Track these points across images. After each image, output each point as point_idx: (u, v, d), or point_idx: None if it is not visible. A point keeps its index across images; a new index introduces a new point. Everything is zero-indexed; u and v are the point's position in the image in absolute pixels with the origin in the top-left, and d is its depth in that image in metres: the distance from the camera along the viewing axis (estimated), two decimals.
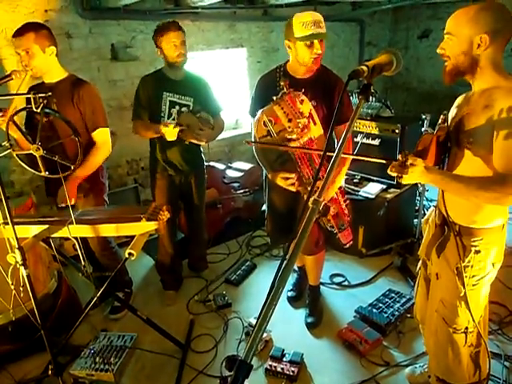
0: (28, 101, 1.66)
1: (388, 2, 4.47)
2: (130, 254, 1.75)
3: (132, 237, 1.87)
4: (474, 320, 1.65)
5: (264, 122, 2.00)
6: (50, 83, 2.29)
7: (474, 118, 1.44)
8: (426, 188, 3.34)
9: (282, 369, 2.21)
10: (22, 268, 1.69)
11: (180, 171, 2.70)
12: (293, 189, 2.12)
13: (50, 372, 1.92)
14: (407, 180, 1.38)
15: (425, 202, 3.55)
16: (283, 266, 0.92)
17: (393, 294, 2.74)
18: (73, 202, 2.12)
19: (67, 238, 1.89)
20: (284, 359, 2.27)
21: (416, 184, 3.33)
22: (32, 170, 1.80)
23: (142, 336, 2.50)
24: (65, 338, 2.12)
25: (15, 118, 1.77)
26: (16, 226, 1.66)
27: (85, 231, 1.90)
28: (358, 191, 3.25)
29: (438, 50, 1.50)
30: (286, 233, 2.39)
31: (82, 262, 1.90)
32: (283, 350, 2.32)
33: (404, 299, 2.68)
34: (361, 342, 2.36)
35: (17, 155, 1.76)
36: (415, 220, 3.51)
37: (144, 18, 3.64)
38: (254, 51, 4.66)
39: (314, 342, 2.49)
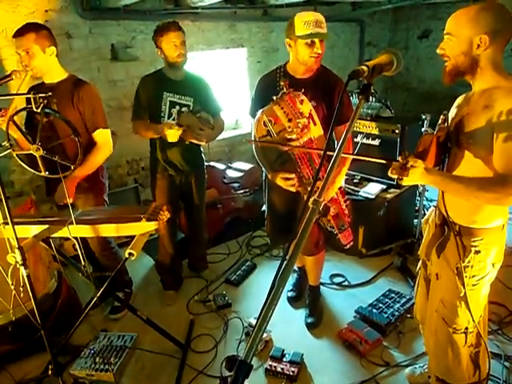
0: (28, 101, 1.66)
1: (388, 2, 4.47)
2: (130, 254, 1.75)
3: (132, 237, 1.87)
4: (473, 320, 1.65)
5: (264, 122, 2.00)
6: (50, 83, 2.29)
7: (473, 119, 1.44)
8: (425, 188, 3.35)
9: (282, 369, 2.21)
10: (21, 268, 1.69)
11: (180, 171, 2.70)
12: (293, 189, 2.13)
13: (50, 372, 1.92)
14: (408, 182, 1.38)
15: (425, 202, 3.55)
16: (283, 266, 0.92)
17: (393, 294, 2.75)
18: (71, 201, 2.12)
19: (67, 238, 1.89)
20: (284, 359, 2.27)
21: (416, 184, 3.33)
22: (32, 170, 1.80)
23: (142, 336, 2.50)
24: (65, 338, 2.12)
25: (15, 118, 1.77)
26: (16, 226, 1.66)
27: (85, 231, 1.90)
28: (358, 191, 3.25)
29: (438, 51, 1.50)
30: (285, 233, 2.39)
31: (82, 262, 1.90)
32: (283, 350, 2.32)
33: (404, 299, 2.68)
34: (361, 342, 2.36)
35: (17, 155, 1.76)
36: (415, 220, 3.51)
37: (144, 18, 3.64)
38: (254, 51, 4.66)
39: (314, 342, 2.49)
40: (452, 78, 1.49)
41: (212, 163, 3.92)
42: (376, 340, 2.37)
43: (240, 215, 3.96)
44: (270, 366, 2.24)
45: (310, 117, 1.98)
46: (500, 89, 1.39)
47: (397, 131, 3.12)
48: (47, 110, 1.64)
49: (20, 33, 2.11)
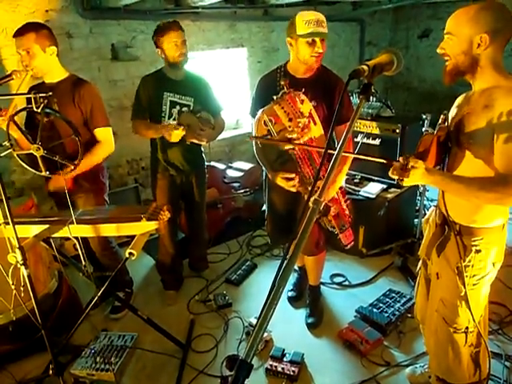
0: (28, 101, 1.66)
1: (388, 1, 4.47)
2: (130, 253, 1.75)
3: (132, 237, 1.87)
4: (474, 320, 1.65)
5: (264, 122, 2.00)
6: (51, 83, 2.29)
7: (474, 118, 1.44)
8: (426, 188, 3.34)
9: (283, 369, 2.21)
10: (22, 268, 1.69)
11: (181, 171, 2.70)
12: (293, 189, 2.13)
13: (50, 372, 1.92)
14: (408, 182, 1.38)
15: (425, 202, 3.55)
16: (284, 265, 0.92)
17: (393, 294, 2.74)
18: (65, 190, 2.08)
19: (68, 238, 1.89)
20: (284, 359, 2.27)
21: (416, 184, 3.32)
22: (33, 170, 1.80)
23: (142, 336, 2.50)
24: (65, 337, 2.13)
25: (15, 117, 1.77)
26: (17, 226, 1.66)
27: (85, 231, 1.91)
28: (359, 191, 3.25)
29: (438, 50, 1.50)
30: (286, 233, 2.39)
31: (83, 262, 1.90)
32: (284, 350, 2.32)
33: (404, 299, 2.68)
34: (361, 342, 2.36)
35: (17, 155, 1.76)
36: (416, 220, 3.51)
37: (144, 17, 3.64)
38: (254, 51, 4.66)
39: (315, 342, 2.49)
40: (452, 78, 1.49)
41: (212, 163, 3.91)
42: (376, 340, 2.37)
43: (240, 215, 3.96)
44: (271, 365, 2.24)
45: (310, 116, 1.98)
46: (500, 88, 1.39)
47: (397, 131, 3.12)
48: (48, 110, 1.65)
49: (20, 32, 2.11)
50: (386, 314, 2.54)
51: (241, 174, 4.05)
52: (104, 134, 2.38)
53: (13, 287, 1.73)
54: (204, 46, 4.17)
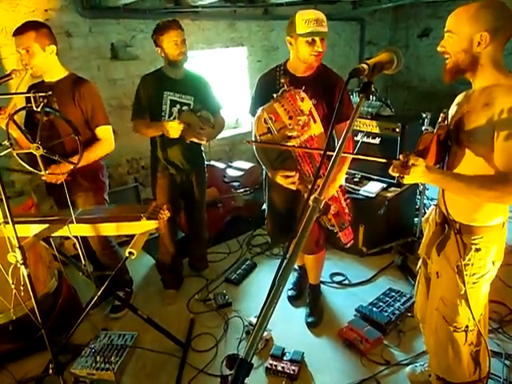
0: (28, 100, 1.66)
1: (388, 0, 4.47)
2: (130, 253, 1.75)
3: (132, 236, 1.87)
4: (474, 318, 1.65)
5: (264, 120, 2.00)
6: (50, 82, 2.29)
7: (474, 116, 1.43)
8: (426, 187, 3.35)
9: (283, 368, 2.21)
10: (22, 267, 1.69)
11: (181, 170, 2.70)
12: (293, 187, 2.12)
13: (50, 371, 1.92)
14: (409, 180, 1.38)
15: (425, 201, 3.56)
16: (283, 265, 0.92)
17: (393, 293, 2.75)
18: (61, 181, 2.06)
19: (68, 237, 1.88)
20: (284, 358, 2.27)
21: (416, 183, 3.33)
22: (32, 169, 1.80)
23: (142, 335, 2.50)
24: (65, 337, 2.13)
25: (15, 117, 1.77)
26: (16, 225, 1.66)
27: (85, 230, 1.90)
28: (359, 190, 3.25)
29: (439, 48, 1.50)
30: (286, 232, 2.39)
31: (83, 261, 1.90)
32: (284, 349, 2.32)
33: (404, 298, 2.68)
34: (361, 341, 2.36)
35: (17, 154, 1.76)
36: (415, 219, 3.51)
37: (144, 17, 3.64)
38: (254, 50, 4.65)
39: (315, 341, 2.49)
40: (452, 76, 1.49)
41: (212, 162, 3.91)
42: (376, 339, 2.37)
43: (240, 214, 3.96)
44: (271, 364, 2.24)
45: (310, 114, 1.98)
46: (500, 86, 1.39)
47: (397, 130, 3.12)
48: (47, 109, 1.64)
49: (20, 31, 2.11)
50: (386, 313, 2.54)
51: (241, 173, 4.05)
52: (104, 132, 2.38)
53: (13, 286, 1.73)
54: (204, 45, 4.16)
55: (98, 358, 2.25)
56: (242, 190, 3.95)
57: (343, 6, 5.04)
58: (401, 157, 1.35)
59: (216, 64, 4.38)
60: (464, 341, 1.71)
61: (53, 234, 1.89)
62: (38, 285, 2.07)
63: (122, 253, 2.51)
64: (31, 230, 1.86)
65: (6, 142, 1.70)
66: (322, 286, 2.87)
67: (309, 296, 2.75)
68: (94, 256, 2.66)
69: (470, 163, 1.49)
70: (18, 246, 1.65)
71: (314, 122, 2.01)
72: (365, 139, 3.31)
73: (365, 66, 1.09)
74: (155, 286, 3.05)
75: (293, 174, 2.09)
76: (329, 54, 4.36)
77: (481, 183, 1.39)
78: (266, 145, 2.08)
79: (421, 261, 1.93)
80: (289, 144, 2.00)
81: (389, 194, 3.17)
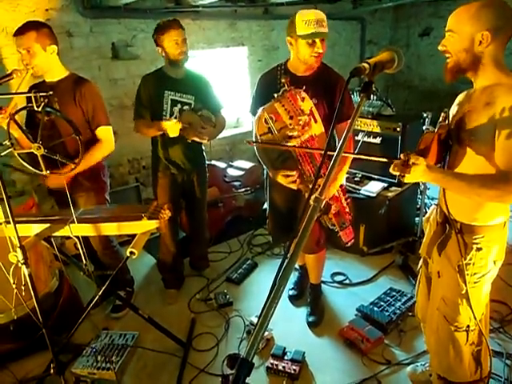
0: (29, 100, 1.66)
1: (389, 0, 4.46)
2: (131, 252, 1.75)
3: (133, 236, 1.87)
4: (475, 318, 1.65)
5: (265, 119, 2.00)
6: (51, 82, 2.29)
7: (475, 116, 1.43)
8: (427, 186, 3.34)
9: (284, 367, 2.21)
10: (23, 267, 1.68)
11: (182, 169, 2.70)
12: (294, 186, 2.12)
13: (51, 371, 1.92)
14: (409, 179, 1.38)
15: (426, 201, 3.55)
16: (284, 264, 0.92)
17: (394, 293, 2.74)
18: (64, 186, 2.07)
19: (69, 237, 1.89)
20: (285, 358, 2.27)
21: (417, 182, 3.33)
22: (33, 169, 1.80)
23: (143, 334, 2.50)
24: (66, 336, 2.13)
25: (16, 116, 1.77)
26: (17, 225, 1.66)
27: (86, 230, 1.91)
28: (359, 190, 3.25)
29: (440, 47, 1.50)
30: (287, 231, 2.39)
31: (84, 261, 1.91)
32: (284, 349, 2.32)
33: (405, 298, 2.68)
34: (362, 341, 2.36)
35: (18, 154, 1.76)
36: (416, 218, 3.51)
37: (145, 16, 3.64)
38: (254, 50, 4.65)
39: (316, 341, 2.49)
40: (453, 75, 1.49)
41: (213, 162, 3.91)
42: (377, 338, 2.37)
43: (241, 214, 3.96)
44: (272, 364, 2.24)
45: (310, 114, 1.98)
46: (501, 86, 1.39)
47: (398, 129, 3.11)
48: (48, 109, 1.64)
49: (21, 31, 2.11)
50: (387, 313, 2.54)
51: (241, 172, 4.05)
52: (105, 132, 2.38)
53: (14, 286, 1.73)
54: (204, 44, 4.16)
55: (98, 358, 2.25)
56: (242, 190, 3.96)
57: (344, 5, 5.04)
58: (402, 156, 1.35)
59: (217, 64, 4.38)
60: (465, 340, 1.71)
61: (54, 234, 1.89)
62: (39, 284, 2.07)
63: (123, 252, 2.50)
64: (32, 229, 1.86)
65: (6, 142, 1.70)
66: (322, 285, 2.87)
67: (310, 296, 2.75)
68: (95, 256, 2.66)
69: (471, 162, 1.48)
70: (19, 245, 1.65)
71: (315, 121, 2.01)
72: (366, 139, 3.31)
73: (366, 65, 1.09)
74: (156, 286, 3.05)
75: (293, 173, 2.09)
76: (329, 54, 4.36)
77: (482, 182, 1.39)
78: (266, 145, 2.08)
79: (422, 260, 1.93)
80: (289, 144, 1.99)
81: (389, 194, 3.17)
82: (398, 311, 2.55)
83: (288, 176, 2.10)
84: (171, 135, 2.40)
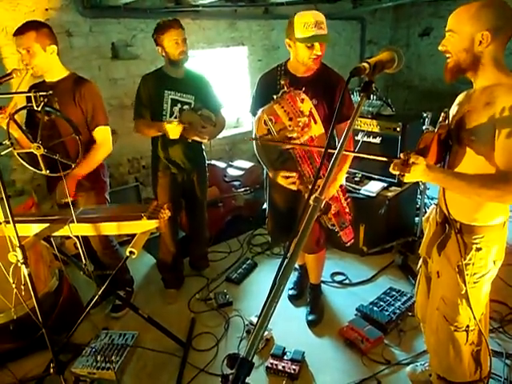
0: (29, 99, 1.66)
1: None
2: (131, 252, 1.75)
3: (133, 235, 1.87)
4: (475, 318, 1.65)
5: (264, 121, 2.00)
6: (51, 82, 2.29)
7: (475, 116, 1.43)
8: (426, 186, 3.34)
9: (283, 367, 2.21)
10: (23, 266, 1.69)
11: (182, 169, 2.70)
12: (293, 187, 2.12)
13: (51, 370, 1.92)
14: (409, 178, 1.38)
15: (426, 200, 3.55)
16: (284, 264, 0.92)
17: (394, 293, 2.74)
18: (71, 200, 2.11)
19: (68, 237, 1.89)
20: (285, 357, 2.27)
21: (417, 182, 3.33)
22: (33, 169, 1.80)
23: (143, 334, 2.50)
24: (66, 336, 2.13)
25: (16, 116, 1.77)
26: (17, 225, 1.66)
27: (86, 230, 1.91)
28: (359, 189, 3.25)
29: (440, 47, 1.50)
30: (286, 231, 2.39)
31: (83, 261, 1.91)
32: (284, 349, 2.32)
33: (405, 297, 2.68)
34: (362, 341, 2.36)
35: (18, 154, 1.76)
36: (416, 218, 3.51)
37: (144, 16, 3.64)
38: (254, 49, 4.65)
39: (315, 341, 2.49)
40: (453, 75, 1.49)
41: (213, 161, 3.91)
42: (377, 338, 2.37)
43: (241, 213, 3.96)
44: (271, 364, 2.24)
45: (310, 115, 1.98)
46: (501, 86, 1.39)
47: (398, 129, 3.11)
48: (48, 109, 1.64)
49: (20, 31, 2.11)
50: (387, 313, 2.54)
51: (241, 172, 4.05)
52: (103, 133, 2.38)
53: (13, 286, 1.73)
54: (204, 44, 4.16)
55: (98, 358, 2.25)
56: (242, 190, 3.96)
57: (344, 5, 5.04)
58: (401, 155, 1.35)
59: (216, 63, 4.38)
60: (465, 340, 1.71)
61: (53, 234, 1.89)
62: (38, 284, 2.07)
63: (123, 252, 2.50)
64: (32, 229, 1.86)
65: (6, 142, 1.70)
66: (322, 285, 2.87)
67: (309, 295, 2.75)
68: (94, 255, 2.66)
69: (471, 162, 1.49)
70: (18, 245, 1.65)
71: (315, 122, 2.01)
72: (365, 138, 3.31)
73: (366, 64, 1.09)
74: (156, 286, 3.05)
75: (294, 174, 2.09)
76: (329, 54, 4.37)
77: (481, 182, 1.39)
78: (266, 142, 2.07)
79: (421, 260, 1.93)
80: (289, 145, 1.99)
81: (389, 194, 3.17)
82: (397, 311, 2.55)
83: (288, 177, 2.11)
84: (172, 137, 2.40)
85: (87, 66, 3.46)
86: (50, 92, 1.63)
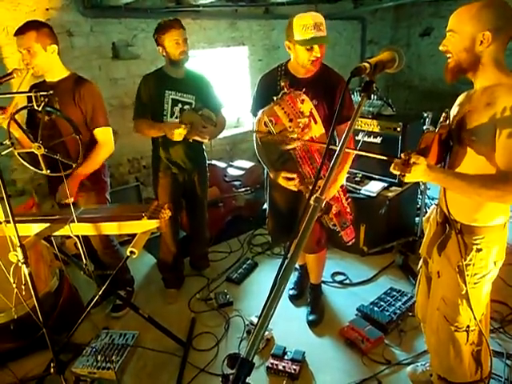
0: (29, 99, 1.66)
1: None
2: (131, 252, 1.75)
3: (134, 235, 1.87)
4: (475, 318, 1.65)
5: (265, 123, 1.99)
6: (52, 82, 2.29)
7: (476, 116, 1.43)
8: (427, 186, 3.34)
9: (284, 367, 2.21)
10: (23, 266, 1.69)
11: (183, 169, 2.70)
12: (294, 188, 2.13)
13: (51, 370, 1.92)
14: (410, 178, 1.38)
15: (426, 200, 3.55)
16: (285, 264, 0.92)
17: (394, 293, 2.74)
18: (73, 200, 2.11)
19: (69, 237, 1.89)
20: (285, 357, 2.27)
21: (417, 182, 3.33)
22: (34, 169, 1.80)
23: (143, 334, 2.50)
24: (66, 336, 2.13)
25: (16, 116, 1.77)
26: (18, 224, 1.66)
27: (86, 229, 1.91)
28: (360, 189, 3.25)
29: (441, 47, 1.49)
30: (286, 231, 2.39)
31: (84, 261, 1.90)
32: (285, 348, 2.32)
33: (405, 297, 2.68)
34: (362, 341, 2.36)
35: (18, 154, 1.76)
36: (417, 218, 3.51)
37: (145, 16, 3.64)
38: (255, 49, 4.65)
39: (316, 341, 2.49)
40: (454, 75, 1.48)
41: (213, 161, 3.91)
42: (377, 338, 2.37)
43: (241, 213, 3.96)
44: (272, 364, 2.24)
45: (310, 115, 1.98)
46: (502, 86, 1.38)
47: (398, 129, 3.11)
48: (48, 109, 1.64)
49: (21, 31, 2.11)
50: (387, 313, 2.54)
51: (242, 172, 4.05)
52: (104, 133, 2.37)
53: (14, 286, 1.73)
54: (205, 44, 4.16)
55: (99, 357, 2.25)
56: (242, 190, 3.96)
57: (344, 5, 5.03)
58: (402, 155, 1.35)
59: (217, 63, 4.38)
60: (465, 340, 1.71)
61: (54, 233, 1.89)
62: (39, 284, 2.07)
63: (124, 252, 2.51)
64: (32, 229, 1.86)
65: (7, 142, 1.70)
66: (323, 285, 2.87)
67: (310, 295, 2.75)
68: (95, 255, 2.67)
69: (472, 162, 1.48)
70: (19, 244, 1.65)
71: (315, 122, 2.01)
72: (366, 138, 3.30)
73: (366, 64, 1.09)
74: (156, 285, 3.05)
75: (294, 175, 2.09)
76: (330, 54, 4.37)
77: (482, 182, 1.38)
78: (270, 138, 2.06)
79: (422, 260, 1.93)
80: (289, 146, 1.99)
81: (390, 194, 3.17)
82: (398, 311, 2.55)
83: (289, 178, 2.11)
84: (175, 140, 2.40)
85: (88, 65, 3.46)
86: (51, 92, 1.63)
